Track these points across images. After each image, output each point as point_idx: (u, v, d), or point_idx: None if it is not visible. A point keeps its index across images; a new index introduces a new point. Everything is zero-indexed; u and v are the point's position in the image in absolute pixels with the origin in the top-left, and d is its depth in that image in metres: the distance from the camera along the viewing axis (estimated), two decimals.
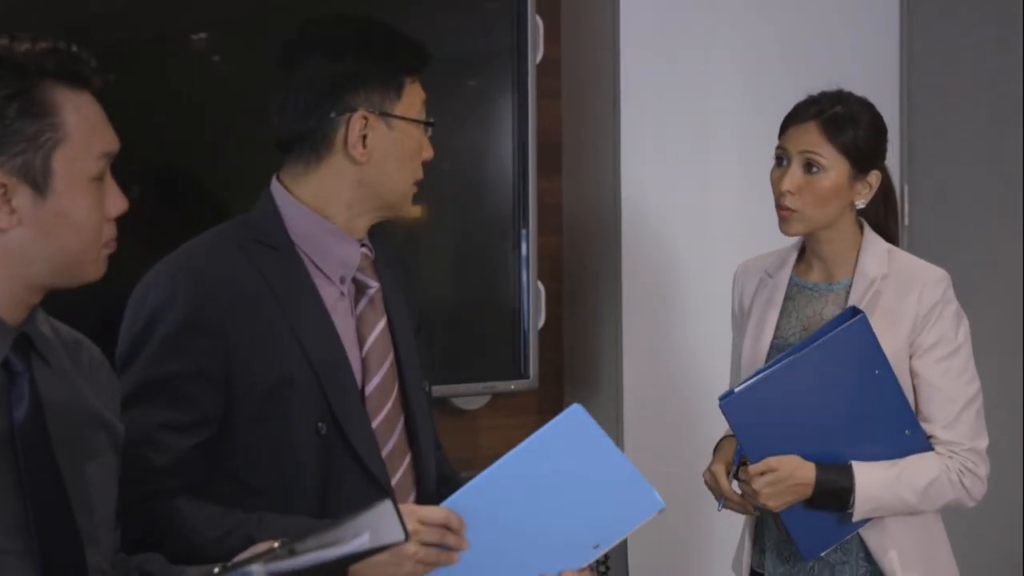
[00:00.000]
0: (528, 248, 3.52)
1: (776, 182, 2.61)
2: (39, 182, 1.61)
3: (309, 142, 2.05)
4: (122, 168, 1.74)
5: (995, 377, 4.15)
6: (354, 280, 2.10)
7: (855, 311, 2.48)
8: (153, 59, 2.94)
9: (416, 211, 2.19)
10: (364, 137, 2.03)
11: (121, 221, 1.72)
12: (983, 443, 2.59)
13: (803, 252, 2.73)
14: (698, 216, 3.84)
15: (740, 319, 2.79)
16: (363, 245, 2.12)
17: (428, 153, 2.12)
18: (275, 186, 2.09)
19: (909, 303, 2.57)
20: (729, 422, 2.55)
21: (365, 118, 2.03)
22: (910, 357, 2.57)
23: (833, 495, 2.50)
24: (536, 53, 3.52)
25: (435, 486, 2.17)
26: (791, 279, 2.70)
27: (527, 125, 3.50)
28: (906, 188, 4.24)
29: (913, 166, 4.24)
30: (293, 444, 1.98)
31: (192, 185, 3.05)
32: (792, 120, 2.63)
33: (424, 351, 2.26)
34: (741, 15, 3.92)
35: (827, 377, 2.49)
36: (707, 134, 3.86)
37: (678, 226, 3.80)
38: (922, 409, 2.57)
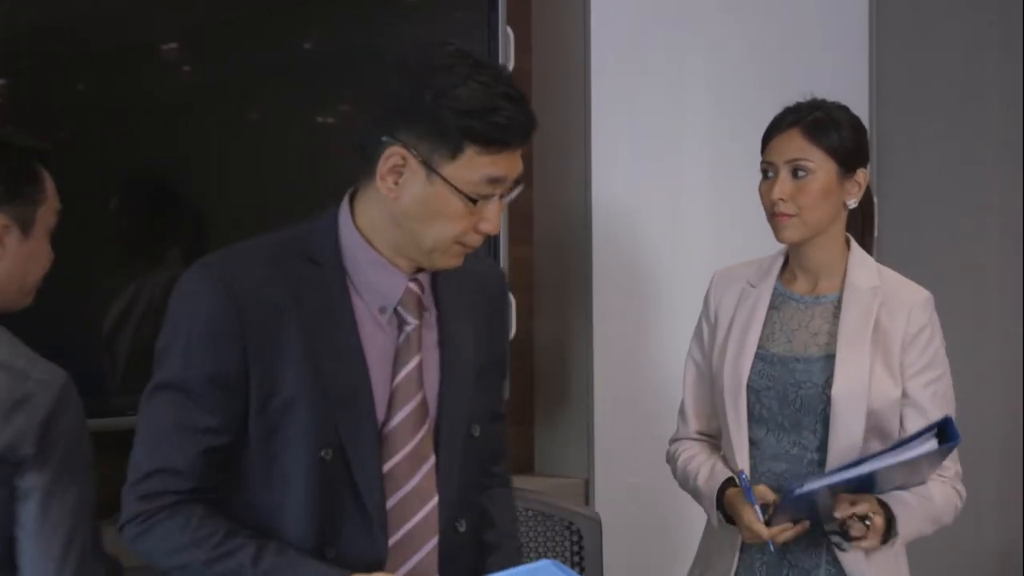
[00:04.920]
0: (499, 258, 3.51)
1: (766, 194, 2.60)
2: (26, 228, 2.26)
3: (361, 157, 1.95)
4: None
5: (964, 383, 4.18)
6: (396, 312, 2.01)
7: (948, 429, 2.46)
8: (134, 67, 2.94)
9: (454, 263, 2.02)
10: (400, 175, 1.90)
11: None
12: (959, 465, 2.65)
13: (786, 262, 2.71)
14: (669, 226, 3.85)
15: (712, 326, 2.74)
16: (414, 279, 2.01)
17: (487, 226, 1.92)
18: (345, 200, 2.02)
19: (898, 322, 2.59)
20: (779, 512, 2.52)
21: (403, 157, 1.89)
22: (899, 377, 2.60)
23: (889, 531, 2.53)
24: (507, 64, 3.52)
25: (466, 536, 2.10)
26: (775, 288, 2.69)
27: None
28: (875, 200, 4.26)
29: (882, 178, 4.26)
30: (295, 466, 1.94)
31: (172, 194, 3.05)
32: (773, 132, 2.62)
33: (493, 389, 2.17)
34: (712, 26, 3.94)
35: (886, 474, 2.50)
36: (678, 144, 3.87)
37: (650, 236, 3.81)
38: (909, 428, 2.59)
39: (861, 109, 4.18)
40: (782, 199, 2.56)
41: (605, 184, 3.71)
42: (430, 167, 1.88)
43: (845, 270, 2.64)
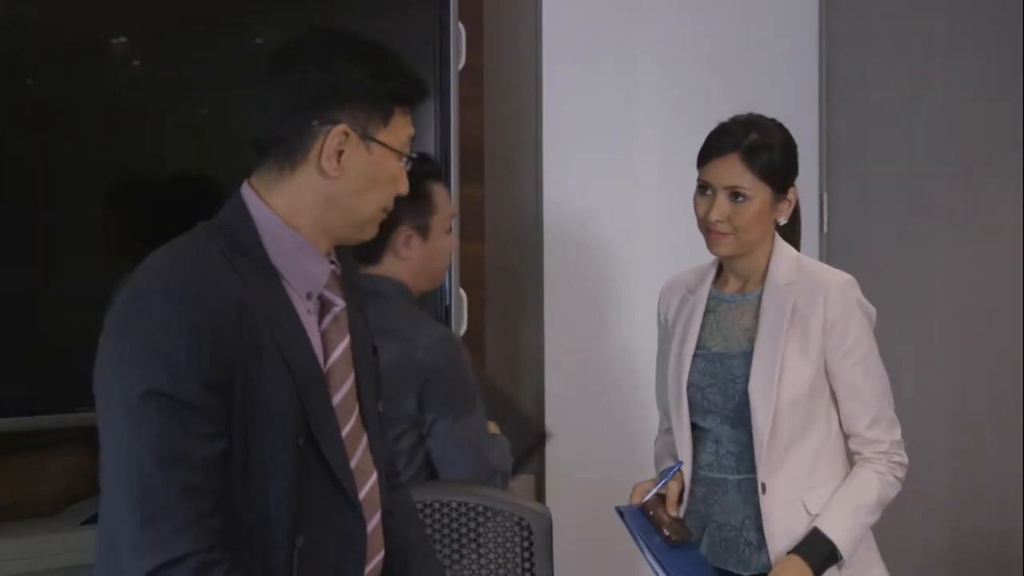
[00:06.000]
0: (451, 255, 3.51)
1: (703, 211, 2.70)
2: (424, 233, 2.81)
3: (285, 148, 1.99)
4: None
5: (911, 380, 4.22)
6: (320, 296, 2.04)
7: None
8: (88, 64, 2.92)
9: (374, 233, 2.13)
10: (340, 153, 1.97)
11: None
12: (898, 431, 2.75)
13: (720, 266, 2.82)
14: (620, 222, 3.86)
15: (665, 335, 2.88)
16: (332, 262, 2.07)
17: (404, 188, 2.06)
18: (247, 192, 2.02)
19: (816, 308, 2.68)
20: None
21: (345, 134, 1.97)
22: (826, 361, 2.69)
23: (826, 562, 2.63)
24: (459, 60, 3.52)
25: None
26: (710, 292, 2.81)
27: (450, 132, 3.50)
28: (825, 196, 4.30)
29: (832, 175, 4.30)
30: (275, 458, 1.92)
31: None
32: (712, 154, 2.70)
33: (377, 371, 2.21)
34: (663, 24, 3.96)
35: None
36: (629, 141, 3.88)
37: (601, 232, 3.82)
38: (845, 409, 2.72)
39: (811, 108, 4.23)
40: (719, 220, 2.67)
41: (557, 181, 3.73)
42: (370, 137, 1.99)
43: (767, 266, 2.75)
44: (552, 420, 3.72)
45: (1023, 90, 4.15)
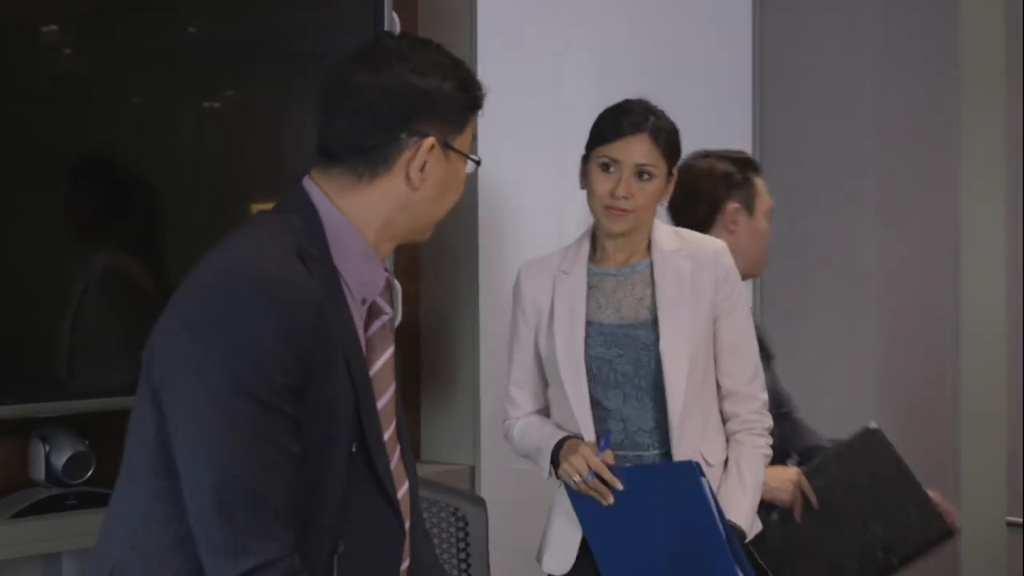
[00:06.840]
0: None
1: (607, 187, 2.79)
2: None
3: (369, 158, 1.95)
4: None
5: (842, 371, 4.26)
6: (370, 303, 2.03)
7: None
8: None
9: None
10: (424, 163, 1.96)
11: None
12: (766, 394, 2.91)
13: (592, 244, 2.90)
14: (554, 215, 3.87)
15: (530, 319, 2.90)
16: (385, 269, 2.05)
17: (461, 190, 2.07)
18: (314, 191, 1.98)
19: (706, 271, 2.82)
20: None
21: (433, 146, 1.96)
22: (715, 319, 2.83)
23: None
24: None
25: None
26: (589, 269, 2.87)
27: None
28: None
29: (766, 169, 4.32)
30: (329, 462, 1.90)
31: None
32: (619, 132, 2.80)
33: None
34: (598, 17, 3.96)
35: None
36: (563, 134, 3.88)
37: (536, 226, 3.83)
38: (725, 365, 2.85)
39: (744, 103, 4.26)
40: (625, 197, 2.76)
41: (491, 173, 3.72)
42: (450, 146, 1.99)
43: (649, 239, 2.86)
44: (487, 412, 3.72)
45: (955, 86, 4.20)
